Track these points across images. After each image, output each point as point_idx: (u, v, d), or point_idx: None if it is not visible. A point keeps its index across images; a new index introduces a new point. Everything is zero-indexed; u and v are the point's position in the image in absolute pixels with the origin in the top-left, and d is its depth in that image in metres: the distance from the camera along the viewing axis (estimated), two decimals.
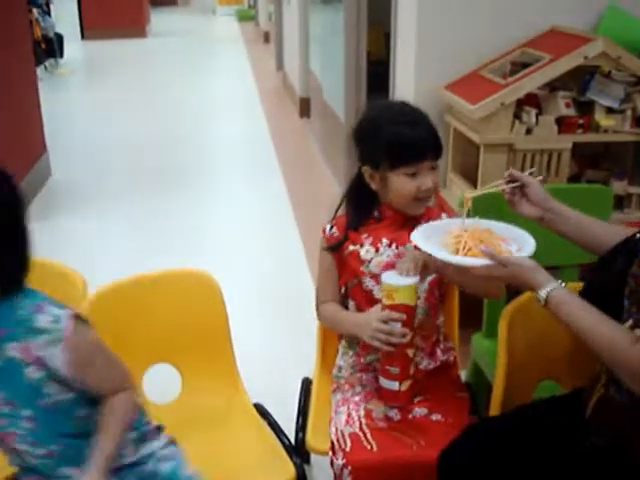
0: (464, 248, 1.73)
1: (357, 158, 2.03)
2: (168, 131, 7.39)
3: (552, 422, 1.78)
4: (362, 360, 2.07)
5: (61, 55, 10.97)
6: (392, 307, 1.87)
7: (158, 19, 16.42)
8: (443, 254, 1.74)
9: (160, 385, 2.24)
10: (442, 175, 3.33)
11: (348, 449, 1.82)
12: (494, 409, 1.96)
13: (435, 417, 1.94)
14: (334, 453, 1.85)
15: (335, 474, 1.83)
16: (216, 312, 2.24)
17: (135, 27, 14.28)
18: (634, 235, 1.66)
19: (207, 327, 2.25)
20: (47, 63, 10.49)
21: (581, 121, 3.02)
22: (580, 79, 3.07)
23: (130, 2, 14.18)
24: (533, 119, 2.97)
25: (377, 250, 1.99)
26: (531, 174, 1.88)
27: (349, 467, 1.78)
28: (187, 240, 4.63)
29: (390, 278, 1.87)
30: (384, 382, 1.95)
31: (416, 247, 1.81)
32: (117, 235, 4.78)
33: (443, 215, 2.03)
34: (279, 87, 9.55)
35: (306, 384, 2.33)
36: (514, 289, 1.92)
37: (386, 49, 4.00)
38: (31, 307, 1.56)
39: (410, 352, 1.92)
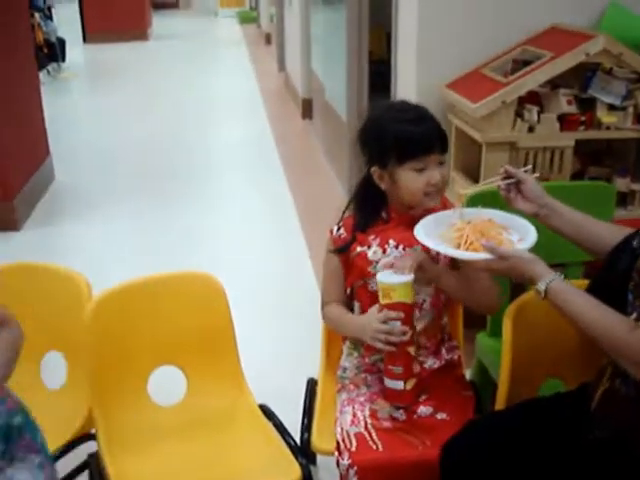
0: (466, 242, 1.75)
1: (364, 160, 2.02)
2: (171, 133, 7.40)
3: (556, 416, 1.78)
4: (367, 360, 2.07)
5: (63, 59, 10.97)
6: (390, 306, 1.87)
7: (160, 22, 16.43)
8: (445, 249, 1.76)
9: (165, 387, 2.24)
10: None
11: (354, 449, 1.82)
12: (499, 408, 1.96)
13: (440, 416, 1.94)
14: (340, 453, 1.85)
15: (341, 474, 1.83)
16: (220, 314, 2.24)
17: (137, 30, 14.29)
18: (637, 232, 1.67)
19: (211, 329, 2.25)
20: (49, 67, 10.49)
21: (583, 118, 3.01)
22: (581, 76, 3.06)
23: (132, 5, 14.18)
24: (535, 117, 2.97)
25: (384, 251, 1.99)
26: (527, 171, 1.90)
27: (355, 467, 1.79)
28: (191, 242, 4.63)
29: (386, 277, 1.88)
30: (389, 382, 1.95)
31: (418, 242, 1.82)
32: (121, 238, 4.78)
33: None
34: (281, 88, 9.55)
35: (311, 385, 2.33)
36: (519, 287, 1.93)
37: (387, 49, 4.00)
38: None
39: (412, 350, 1.92)
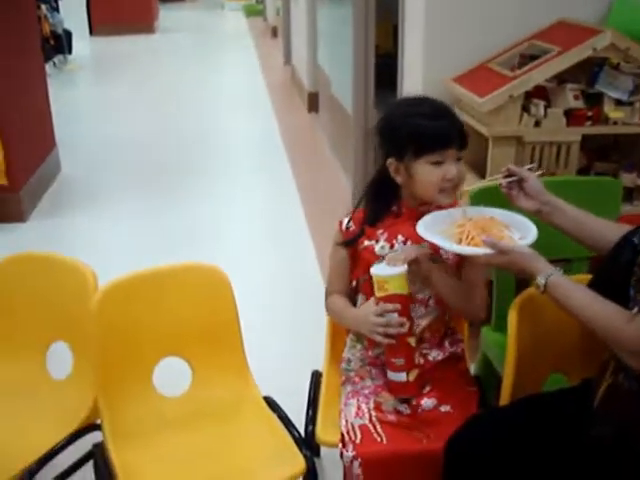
0: (467, 237, 1.77)
1: (381, 153, 2.01)
2: (176, 126, 7.40)
3: (560, 412, 1.79)
4: (370, 353, 2.07)
5: (70, 51, 10.97)
6: (385, 298, 1.88)
7: (166, 15, 16.43)
8: (446, 243, 1.79)
9: (170, 378, 2.25)
10: None
11: (358, 441, 1.83)
12: (503, 402, 1.96)
13: (444, 408, 1.94)
14: (344, 445, 1.85)
15: (345, 466, 1.84)
16: (226, 306, 2.25)
17: (143, 23, 14.28)
18: (637, 228, 1.68)
19: (217, 321, 2.26)
20: (56, 59, 10.50)
21: (590, 113, 3.00)
22: (589, 71, 3.06)
23: None
24: (542, 111, 2.96)
25: (392, 246, 1.99)
26: (529, 169, 1.92)
27: (359, 459, 1.79)
28: (196, 235, 4.64)
29: (379, 270, 1.89)
30: (391, 375, 1.95)
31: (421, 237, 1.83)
32: (127, 229, 4.79)
33: None
34: (287, 82, 9.55)
35: (316, 377, 2.34)
36: (524, 282, 1.93)
37: (394, 43, 4.00)
38: None
39: (412, 341, 1.93)
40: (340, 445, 1.87)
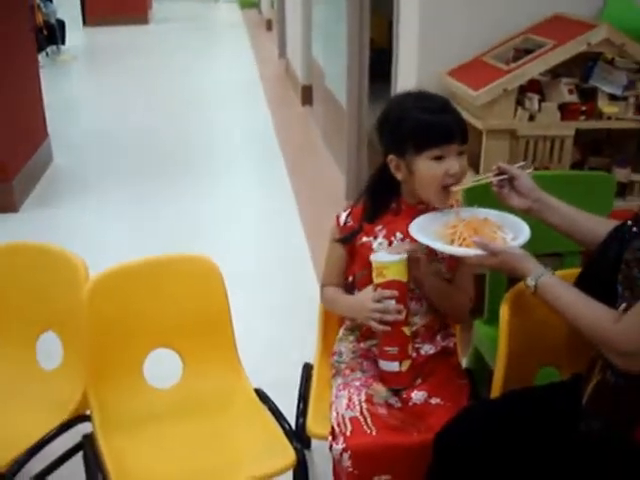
0: (459, 238, 1.79)
1: (382, 149, 2.00)
2: (170, 118, 7.38)
3: (550, 406, 1.79)
4: (362, 345, 2.07)
5: (63, 42, 10.94)
6: (384, 285, 1.89)
7: (160, 6, 16.39)
8: (438, 244, 1.80)
9: (161, 370, 2.24)
10: None
11: (349, 433, 1.82)
12: (494, 396, 1.96)
13: (435, 401, 1.94)
14: (334, 438, 1.84)
15: (334, 459, 1.84)
16: (217, 297, 2.24)
17: (137, 14, 14.24)
18: (625, 222, 1.68)
19: (208, 312, 2.25)
20: (49, 50, 10.47)
21: (584, 108, 3.00)
22: (583, 66, 3.06)
23: None
24: (536, 105, 2.96)
25: (390, 243, 1.99)
26: (520, 167, 1.92)
27: (349, 451, 1.78)
28: (188, 227, 4.63)
29: (380, 257, 1.90)
30: (384, 364, 1.96)
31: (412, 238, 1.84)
32: (118, 220, 4.78)
33: None
34: (281, 74, 9.53)
35: (307, 369, 2.34)
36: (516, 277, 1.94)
37: (389, 37, 3.99)
38: None
39: (407, 330, 1.93)
40: (330, 438, 1.86)
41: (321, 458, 2.37)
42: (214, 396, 2.20)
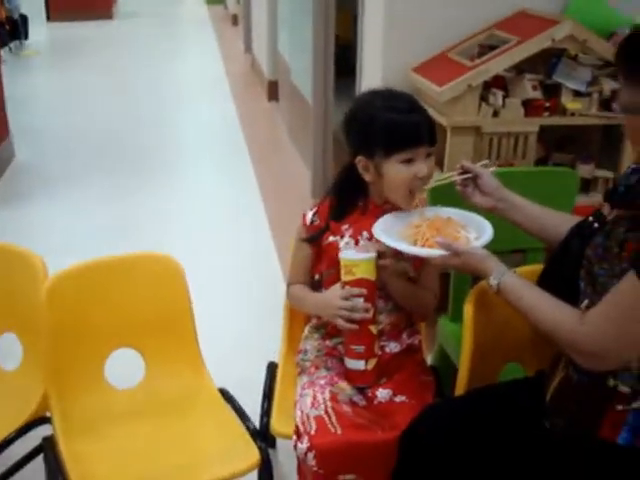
0: (422, 239, 1.79)
1: (349, 148, 1.97)
2: (134, 114, 7.30)
3: (514, 403, 1.79)
4: (327, 343, 2.06)
5: (26, 37, 10.82)
6: (352, 282, 1.88)
7: (125, 1, 16.21)
8: (402, 245, 1.79)
9: (123, 370, 2.20)
10: None
11: (313, 432, 1.80)
12: (459, 392, 1.96)
13: (399, 398, 1.93)
14: (299, 437, 1.83)
15: (299, 458, 1.82)
16: (179, 296, 2.21)
17: (102, 9, 14.06)
18: (587, 218, 1.68)
19: (170, 311, 2.22)
20: (12, 45, 10.35)
21: (548, 104, 3.02)
22: (547, 62, 3.07)
23: None
24: (500, 101, 2.96)
25: (357, 242, 1.97)
26: (484, 165, 1.91)
27: (314, 451, 1.77)
28: (152, 224, 4.58)
29: (349, 254, 1.89)
30: (350, 363, 1.95)
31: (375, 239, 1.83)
32: (81, 218, 4.71)
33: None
34: (247, 70, 9.48)
35: (272, 368, 2.32)
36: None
37: (354, 33, 3.98)
38: None
39: (374, 329, 1.92)
40: (294, 437, 1.85)
41: (286, 457, 2.35)
42: (177, 396, 2.17)
